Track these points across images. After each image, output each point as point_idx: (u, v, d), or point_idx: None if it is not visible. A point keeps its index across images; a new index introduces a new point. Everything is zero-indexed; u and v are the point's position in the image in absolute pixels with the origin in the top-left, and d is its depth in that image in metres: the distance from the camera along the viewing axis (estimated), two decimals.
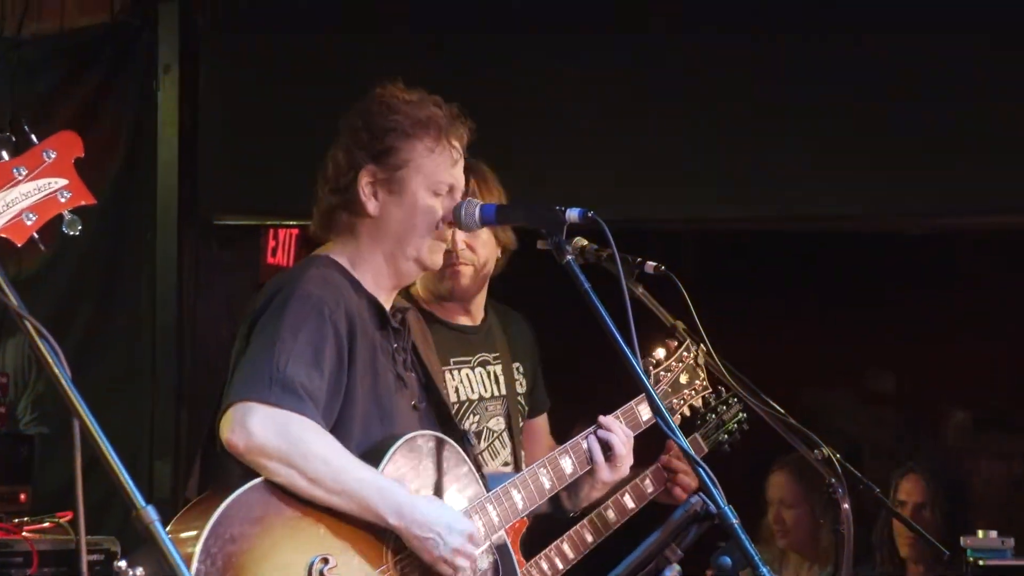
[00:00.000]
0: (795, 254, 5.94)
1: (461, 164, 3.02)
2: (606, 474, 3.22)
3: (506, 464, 3.54)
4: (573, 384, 4.42)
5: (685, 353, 3.54)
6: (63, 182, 2.19)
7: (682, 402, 3.53)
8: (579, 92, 4.68)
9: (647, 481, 3.56)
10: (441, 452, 2.93)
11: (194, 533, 2.58)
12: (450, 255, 3.43)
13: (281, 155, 4.87)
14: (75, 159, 2.21)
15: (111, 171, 4.97)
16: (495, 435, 3.56)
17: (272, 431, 2.66)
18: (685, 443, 2.65)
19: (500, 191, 3.49)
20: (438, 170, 2.96)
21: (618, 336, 2.67)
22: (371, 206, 2.94)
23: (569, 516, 3.36)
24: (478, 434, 3.50)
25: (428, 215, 2.95)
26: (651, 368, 3.45)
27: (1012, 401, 6.00)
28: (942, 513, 5.02)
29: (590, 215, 2.85)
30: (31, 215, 2.15)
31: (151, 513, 2.02)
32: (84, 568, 2.17)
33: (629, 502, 3.49)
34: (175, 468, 4.93)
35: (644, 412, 3.35)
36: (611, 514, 3.46)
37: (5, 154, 2.16)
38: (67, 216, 2.20)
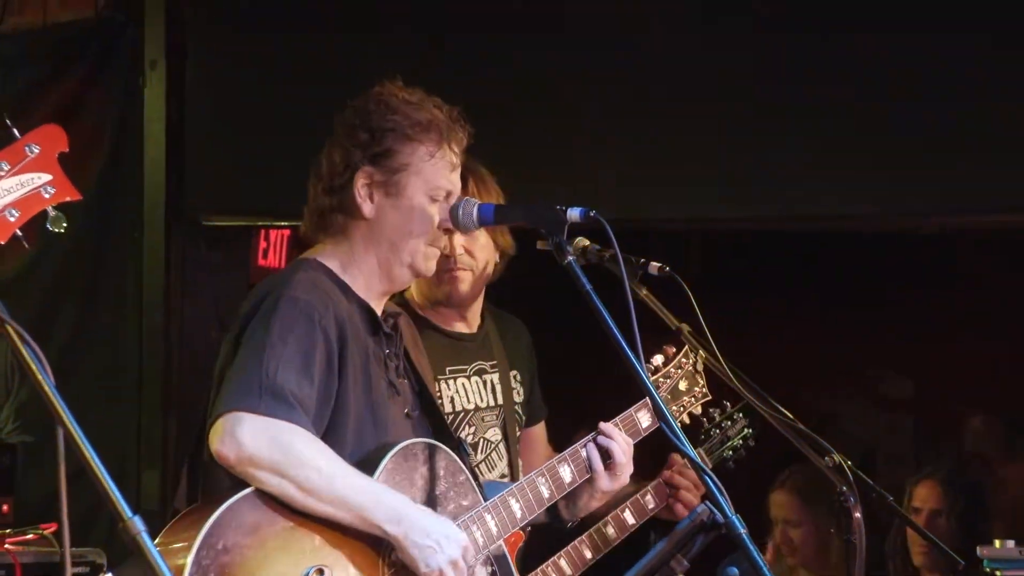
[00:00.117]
0: (801, 254, 5.95)
1: (459, 170, 3.03)
2: (605, 483, 3.22)
3: (503, 476, 3.53)
4: (572, 391, 4.43)
5: (684, 359, 3.54)
6: (47, 177, 2.19)
7: (681, 409, 3.53)
8: (580, 91, 4.69)
9: (648, 497, 3.55)
10: (437, 461, 2.93)
11: (185, 544, 2.58)
12: (448, 260, 3.44)
13: (272, 153, 4.88)
14: (59, 154, 2.21)
15: (96, 170, 4.96)
16: (492, 446, 3.56)
17: (263, 441, 2.66)
18: (692, 451, 2.65)
19: (498, 192, 3.50)
20: (437, 175, 2.96)
21: (621, 340, 2.68)
22: (367, 208, 2.94)
23: (567, 526, 3.36)
24: (474, 446, 3.50)
25: (425, 221, 2.95)
26: (649, 375, 3.44)
27: None
28: (959, 521, 5.02)
29: (592, 214, 2.85)
30: (14, 211, 2.15)
31: (138, 524, 2.02)
32: None
33: (629, 518, 3.49)
34: (163, 477, 4.93)
35: (644, 419, 3.35)
36: (611, 530, 3.46)
37: None
38: (51, 212, 2.19)
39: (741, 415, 3.72)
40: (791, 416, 3.43)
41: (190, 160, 5.10)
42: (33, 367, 2.07)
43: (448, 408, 3.46)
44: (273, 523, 2.68)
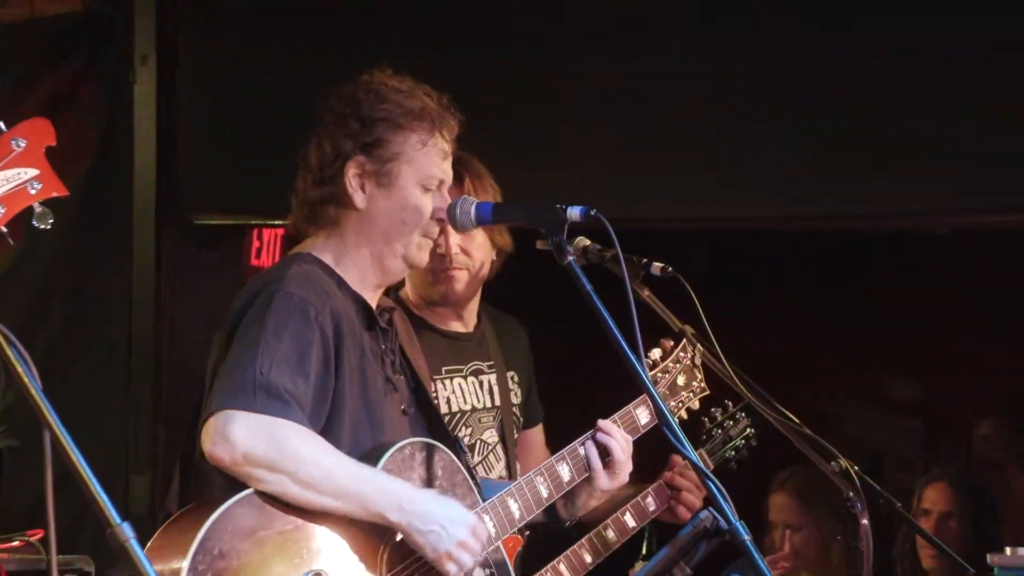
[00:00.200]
0: (806, 254, 5.96)
1: (451, 158, 3.03)
2: (604, 481, 3.22)
3: (501, 478, 3.53)
4: (570, 392, 4.43)
5: (682, 353, 3.54)
6: (33, 172, 2.18)
7: (680, 405, 3.54)
8: (580, 89, 4.70)
9: (649, 499, 3.55)
10: (435, 460, 2.94)
11: (181, 549, 2.58)
12: (443, 259, 3.44)
13: (265, 150, 4.87)
14: (47, 148, 2.20)
15: (84, 167, 4.96)
16: (489, 448, 3.56)
17: (257, 438, 2.66)
18: (694, 455, 2.66)
19: (495, 189, 3.50)
20: (429, 164, 2.96)
21: (623, 342, 2.68)
22: (358, 198, 2.95)
23: (565, 525, 3.35)
24: (471, 447, 3.50)
25: (417, 211, 2.96)
26: (647, 371, 3.44)
27: None
28: (969, 524, 5.02)
29: (592, 213, 2.85)
30: None
31: (127, 530, 2.02)
32: None
33: (630, 521, 3.49)
34: (153, 483, 4.93)
35: (643, 415, 3.35)
36: (611, 534, 3.46)
37: None
38: (37, 208, 2.19)
39: (743, 414, 3.72)
40: (796, 420, 3.43)
41: (181, 157, 5.10)
42: (19, 369, 2.07)
43: (444, 409, 3.46)
44: (270, 526, 2.68)
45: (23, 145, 2.17)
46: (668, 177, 4.64)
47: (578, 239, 3.18)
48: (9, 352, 2.07)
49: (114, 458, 4.94)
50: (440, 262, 3.45)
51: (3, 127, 2.18)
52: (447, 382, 3.51)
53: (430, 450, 2.94)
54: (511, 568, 3.07)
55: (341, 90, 3.00)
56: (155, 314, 5.06)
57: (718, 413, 3.71)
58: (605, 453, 3.22)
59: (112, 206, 5.06)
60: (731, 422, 3.73)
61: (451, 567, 2.80)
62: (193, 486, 2.86)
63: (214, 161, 5.10)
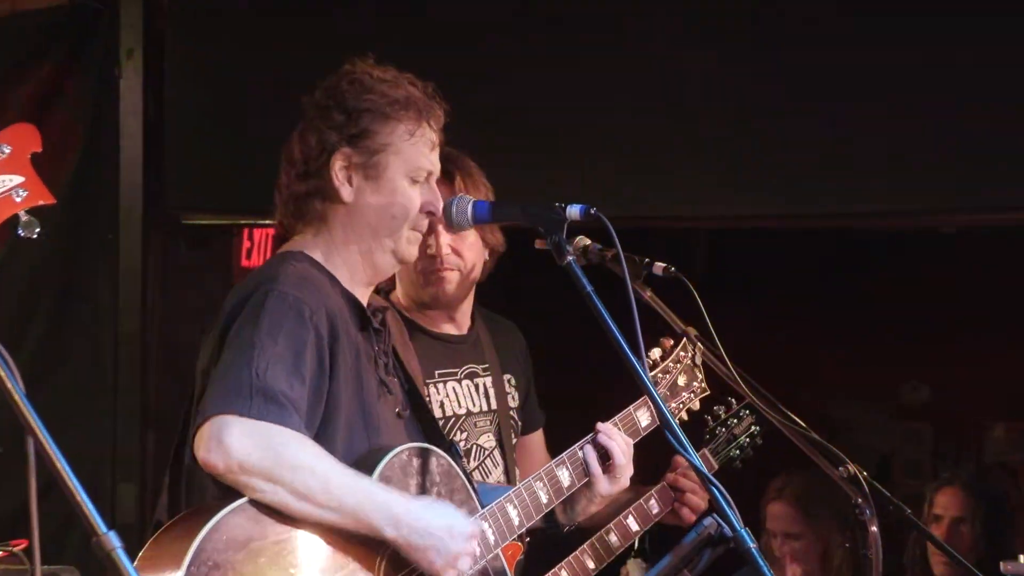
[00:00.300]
0: (811, 254, 5.96)
1: (438, 149, 3.02)
2: (604, 486, 3.22)
3: (499, 484, 3.53)
4: (569, 395, 4.44)
5: (682, 352, 3.55)
6: (19, 180, 2.18)
7: (681, 406, 3.54)
8: (581, 84, 4.70)
9: (652, 501, 3.56)
10: (432, 466, 2.93)
11: (175, 560, 2.57)
12: (433, 260, 3.44)
13: (256, 148, 4.84)
14: (32, 154, 2.20)
15: (69, 166, 4.96)
16: (486, 453, 3.56)
17: (253, 445, 2.64)
18: (697, 459, 2.65)
19: (487, 187, 3.50)
20: (417, 155, 2.95)
21: (624, 344, 2.68)
22: (345, 192, 2.94)
23: (564, 531, 3.35)
24: (467, 452, 3.49)
25: (406, 203, 2.94)
26: (647, 371, 3.43)
27: None
28: (982, 530, 5.02)
29: (592, 212, 2.85)
30: None
31: (113, 539, 2.02)
32: None
33: (633, 524, 3.49)
34: (141, 490, 4.93)
35: (643, 417, 3.35)
36: (613, 538, 3.46)
37: None
38: (23, 217, 2.18)
39: (748, 412, 3.72)
40: (803, 424, 3.43)
41: (169, 155, 5.09)
42: (2, 374, 2.06)
43: (438, 413, 3.45)
44: (265, 536, 2.67)
45: (8, 151, 2.17)
46: (670, 175, 4.65)
47: (578, 238, 3.18)
48: None
49: (100, 464, 4.93)
50: (430, 263, 3.45)
51: None
52: (440, 386, 3.51)
53: (428, 455, 2.94)
54: None
55: (323, 82, 2.99)
56: (142, 317, 5.05)
57: (721, 411, 3.71)
58: (605, 457, 3.22)
59: (98, 205, 5.05)
60: (735, 420, 3.73)
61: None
62: (184, 494, 2.85)
63: (203, 158, 5.10)
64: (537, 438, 3.77)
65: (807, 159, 4.54)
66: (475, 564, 2.85)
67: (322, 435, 2.79)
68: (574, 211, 2.86)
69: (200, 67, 5.11)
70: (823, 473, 3.43)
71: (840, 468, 3.44)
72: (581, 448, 3.23)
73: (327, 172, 2.93)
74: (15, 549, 3.95)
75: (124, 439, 5.00)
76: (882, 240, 6.04)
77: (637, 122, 4.67)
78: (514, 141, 4.68)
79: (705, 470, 2.69)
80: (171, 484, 2.90)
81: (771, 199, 4.63)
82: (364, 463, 2.82)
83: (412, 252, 3.00)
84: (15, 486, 4.47)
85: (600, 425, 3.26)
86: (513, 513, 3.04)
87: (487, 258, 3.56)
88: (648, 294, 3.36)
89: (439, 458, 2.96)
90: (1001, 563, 4.00)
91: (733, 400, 3.72)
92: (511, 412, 3.63)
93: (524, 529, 3.08)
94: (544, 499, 3.12)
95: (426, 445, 2.95)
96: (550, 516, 3.25)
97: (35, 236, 2.17)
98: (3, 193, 2.16)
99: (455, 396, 3.53)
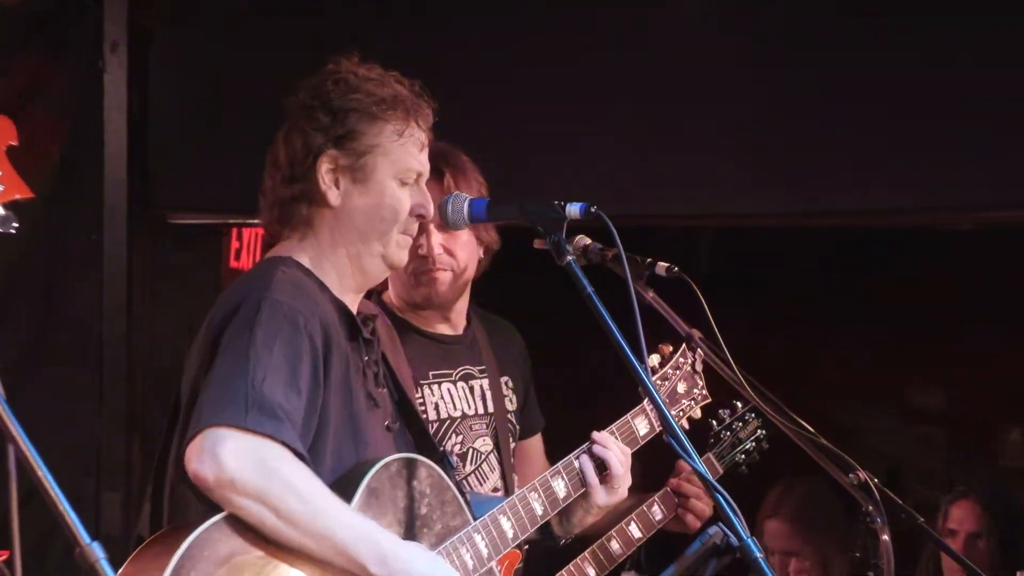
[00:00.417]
0: (819, 253, 5.96)
1: (427, 149, 3.02)
2: (601, 497, 3.23)
3: (496, 490, 3.53)
4: (568, 399, 4.44)
5: (682, 358, 3.55)
6: None
7: (681, 414, 3.54)
8: (581, 79, 4.71)
9: (655, 507, 3.56)
10: (421, 478, 2.93)
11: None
12: (425, 260, 3.44)
13: (245, 144, 4.81)
14: (8, 147, 2.20)
15: (51, 163, 4.96)
16: (482, 457, 3.55)
17: (247, 462, 2.63)
18: (701, 465, 2.66)
19: (480, 183, 3.49)
20: (406, 156, 2.95)
21: (625, 347, 2.68)
22: (332, 196, 2.93)
23: (560, 544, 3.35)
24: (462, 456, 3.49)
25: (395, 206, 2.94)
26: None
27: None
28: (998, 545, 5.02)
29: (593, 210, 2.86)
30: None
31: (97, 551, 2.02)
32: None
33: (635, 531, 3.49)
34: (126, 499, 4.93)
35: (642, 426, 3.35)
36: (615, 545, 3.46)
37: None
38: (0, 212, 2.18)
39: (753, 415, 3.73)
40: (811, 429, 3.43)
41: (155, 152, 5.09)
42: None
43: (432, 415, 3.46)
44: (247, 552, 2.67)
45: None
46: (673, 172, 4.66)
47: (578, 238, 3.18)
48: None
49: (84, 473, 4.93)
50: (421, 263, 3.45)
51: None
52: (435, 387, 3.51)
53: (417, 466, 2.93)
54: None
55: (307, 81, 2.99)
56: (128, 319, 5.05)
57: (726, 414, 3.72)
58: (602, 467, 3.22)
59: (81, 204, 5.05)
60: (740, 424, 3.73)
61: None
62: (166, 509, 2.85)
63: (190, 155, 5.10)
64: (536, 443, 3.77)
65: (812, 157, 4.56)
66: None
67: (311, 449, 2.78)
68: (574, 209, 2.87)
69: (187, 60, 5.10)
70: (818, 486, 3.44)
71: (850, 475, 3.44)
72: (577, 458, 3.23)
73: (313, 175, 2.93)
74: None
75: (108, 446, 5.00)
76: (884, 240, 6.04)
77: (639, 118, 4.68)
78: (511, 136, 4.68)
79: (709, 476, 2.69)
80: (153, 497, 2.89)
81: (776, 197, 4.64)
82: (352, 475, 2.82)
83: (402, 257, 3.00)
84: None
85: (596, 435, 3.26)
86: (507, 525, 3.03)
87: (481, 256, 3.56)
88: (650, 295, 3.36)
89: (429, 469, 2.95)
90: (1018, 572, 4.01)
91: (739, 403, 3.72)
92: (508, 416, 3.63)
93: (519, 541, 3.08)
94: (539, 510, 3.12)
95: (415, 456, 2.95)
96: (545, 528, 3.25)
97: (12, 231, 2.17)
98: None
99: (450, 398, 3.53)
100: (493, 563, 2.99)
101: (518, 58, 4.77)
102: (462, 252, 3.49)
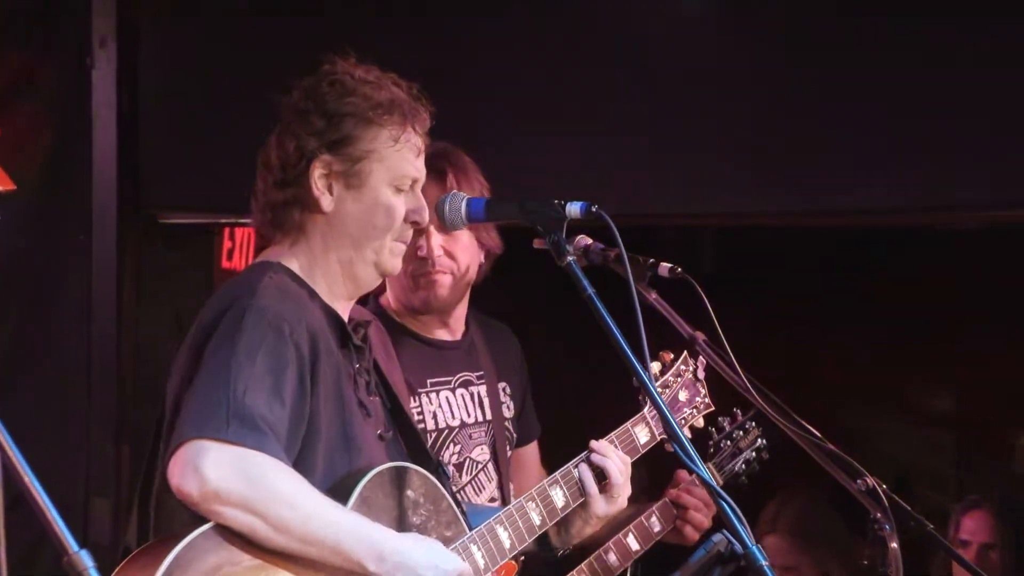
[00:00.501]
0: (825, 253, 5.97)
1: (424, 155, 3.01)
2: (601, 507, 3.23)
3: (492, 500, 3.53)
4: (566, 405, 4.44)
5: (683, 366, 3.55)
6: None
7: (682, 422, 3.54)
8: (583, 77, 4.72)
9: (653, 519, 3.56)
10: (415, 487, 2.93)
11: None
12: (424, 263, 3.44)
13: (238, 141, 4.79)
14: None
15: (39, 161, 4.95)
16: (479, 467, 3.55)
17: (230, 473, 2.64)
18: (706, 472, 2.66)
19: (483, 184, 3.49)
20: (402, 162, 2.95)
21: (627, 349, 2.68)
22: (325, 202, 2.93)
23: (558, 555, 3.35)
24: (459, 466, 3.49)
25: (390, 213, 2.94)
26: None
27: None
28: (1012, 556, 5.01)
29: (594, 209, 2.86)
30: None
31: (85, 559, 2.02)
32: None
33: (633, 543, 3.49)
34: (115, 507, 4.93)
35: (642, 434, 3.35)
36: (612, 558, 3.46)
37: None
38: None
39: (754, 424, 3.73)
40: (818, 434, 3.43)
41: (145, 150, 5.09)
42: None
43: (431, 425, 3.46)
44: (237, 562, 2.67)
45: None
46: (676, 170, 4.66)
47: (578, 237, 3.18)
48: None
49: (72, 480, 4.93)
50: (421, 266, 3.45)
51: None
52: (432, 396, 3.51)
53: (411, 475, 2.93)
54: None
55: (302, 82, 2.98)
56: (117, 322, 5.05)
57: (726, 423, 3.71)
58: (601, 476, 3.22)
59: (69, 203, 5.04)
60: (741, 432, 3.73)
61: None
62: (153, 519, 2.84)
63: (181, 153, 5.09)
64: (532, 451, 3.77)
65: (812, 156, 4.57)
66: None
67: (301, 459, 2.79)
68: (574, 208, 2.87)
69: (177, 56, 5.10)
70: (814, 499, 3.44)
71: (858, 480, 3.44)
72: (576, 467, 3.23)
73: (306, 180, 2.92)
74: None
75: (97, 451, 5.00)
76: (884, 240, 6.05)
77: (641, 116, 4.68)
78: (511, 134, 4.68)
79: (714, 483, 2.69)
80: (140, 507, 2.89)
81: (776, 196, 4.65)
82: (344, 484, 2.82)
83: (395, 264, 3.00)
84: None
85: (594, 443, 3.26)
86: (504, 535, 3.04)
87: (482, 260, 3.56)
88: (653, 296, 3.36)
89: (423, 478, 2.96)
90: None
91: (739, 411, 3.72)
92: (506, 423, 3.63)
93: (516, 552, 3.08)
94: (537, 520, 3.12)
95: (408, 464, 2.95)
96: (543, 539, 3.25)
97: None
98: None
99: (448, 407, 3.52)
100: (490, 575, 3.00)
101: (518, 58, 4.78)
102: (463, 255, 3.49)
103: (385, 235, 2.94)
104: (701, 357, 3.49)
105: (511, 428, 3.65)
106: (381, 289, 3.56)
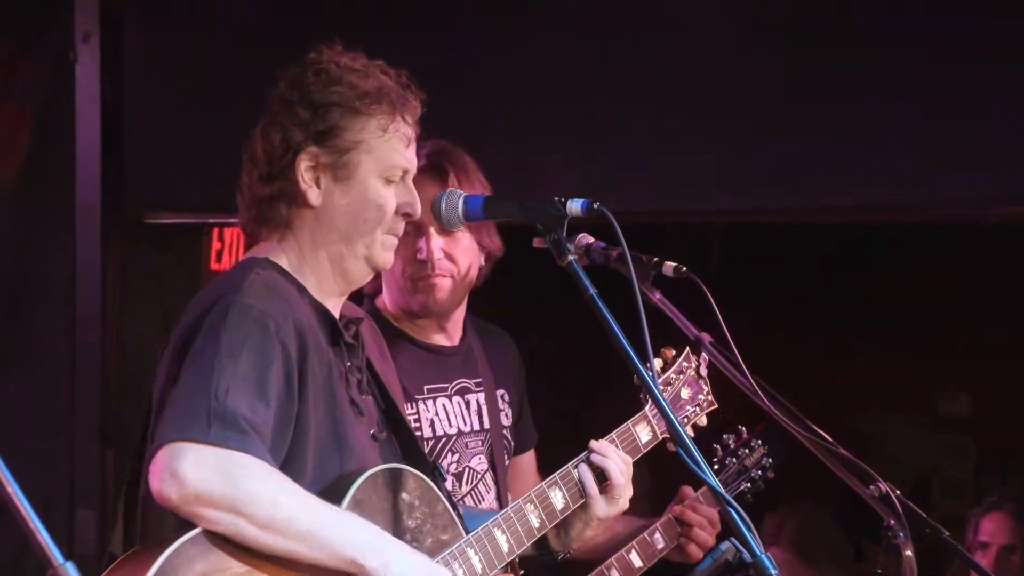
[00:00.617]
0: (837, 251, 5.97)
1: (414, 145, 3.00)
2: (602, 508, 3.22)
3: (490, 510, 3.53)
4: (564, 409, 4.45)
5: (685, 363, 3.55)
6: None
7: (685, 421, 3.53)
8: (584, 73, 4.73)
9: (657, 535, 3.56)
10: (410, 489, 2.93)
11: None
12: (424, 265, 3.44)
13: (226, 139, 4.77)
14: None
15: (19, 159, 4.96)
16: (478, 476, 3.56)
17: (210, 474, 2.63)
18: (712, 478, 2.66)
19: (484, 184, 3.50)
20: (392, 152, 2.94)
21: (630, 350, 2.68)
22: (312, 195, 2.92)
23: (557, 559, 3.34)
24: (458, 475, 3.50)
25: (380, 206, 2.93)
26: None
27: None
28: None
29: (596, 207, 2.86)
30: None
31: (70, 571, 2.02)
32: None
33: (636, 560, 3.50)
34: (101, 517, 4.92)
35: (643, 433, 3.35)
36: (615, 575, 3.46)
37: None
38: None
39: (759, 442, 3.72)
40: (830, 439, 3.43)
41: (129, 147, 5.09)
42: None
43: (428, 433, 3.46)
44: (226, 568, 2.67)
45: None
46: (681, 167, 4.67)
47: (580, 236, 3.18)
48: None
49: (57, 489, 4.93)
50: (420, 268, 3.45)
51: None
52: (429, 403, 3.51)
53: (405, 477, 2.93)
54: None
55: (287, 72, 2.97)
56: (102, 325, 5.05)
57: (731, 441, 3.71)
58: (602, 476, 3.22)
59: (52, 202, 5.04)
60: (746, 450, 3.73)
61: None
62: (139, 525, 2.84)
63: (167, 151, 5.09)
64: (529, 459, 3.77)
65: (812, 155, 4.59)
66: None
67: (291, 459, 2.78)
68: (575, 206, 2.87)
69: (163, 51, 5.10)
70: (817, 512, 3.44)
71: (871, 487, 3.44)
72: (575, 467, 3.22)
73: (292, 174, 2.92)
74: None
75: (82, 460, 5.00)
76: (884, 237, 6.06)
77: (643, 112, 4.69)
78: (512, 131, 4.69)
79: (723, 490, 2.69)
80: (126, 513, 2.89)
81: (776, 195, 4.66)
82: (336, 487, 2.82)
83: (387, 258, 2.99)
84: None
85: (594, 443, 3.25)
86: (502, 539, 3.03)
87: (482, 262, 3.56)
88: (657, 296, 3.36)
89: (418, 480, 2.95)
90: None
91: (743, 429, 3.73)
92: (504, 431, 3.64)
93: (515, 556, 3.08)
94: (535, 523, 3.11)
95: (402, 466, 2.95)
96: (542, 542, 3.24)
97: None
98: None
99: (445, 415, 3.53)
100: None
101: (518, 58, 4.78)
102: (463, 258, 3.49)
103: (376, 228, 2.94)
104: (704, 354, 3.49)
105: (508, 436, 3.66)
106: (377, 291, 3.56)
